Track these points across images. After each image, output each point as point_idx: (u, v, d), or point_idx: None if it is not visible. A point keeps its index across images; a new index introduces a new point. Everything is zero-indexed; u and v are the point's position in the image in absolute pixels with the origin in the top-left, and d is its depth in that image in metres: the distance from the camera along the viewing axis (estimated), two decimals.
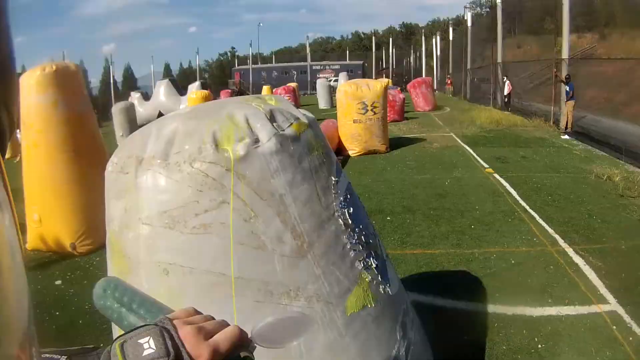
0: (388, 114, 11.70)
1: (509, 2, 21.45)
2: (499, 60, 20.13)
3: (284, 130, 1.66)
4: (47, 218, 5.01)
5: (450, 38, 34.35)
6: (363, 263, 1.80)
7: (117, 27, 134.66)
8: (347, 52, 65.63)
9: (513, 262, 4.56)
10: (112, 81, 45.19)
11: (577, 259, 4.53)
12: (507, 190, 6.92)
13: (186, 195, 1.51)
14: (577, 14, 15.67)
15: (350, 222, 1.80)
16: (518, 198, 6.53)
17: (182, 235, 1.53)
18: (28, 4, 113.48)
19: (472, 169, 8.52)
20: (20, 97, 4.77)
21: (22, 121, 4.89)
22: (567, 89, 12.25)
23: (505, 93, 18.48)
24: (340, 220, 1.76)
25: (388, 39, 62.64)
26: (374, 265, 1.85)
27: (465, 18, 28.02)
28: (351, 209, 1.84)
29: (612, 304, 3.68)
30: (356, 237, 1.81)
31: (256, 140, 1.58)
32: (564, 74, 13.04)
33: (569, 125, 12.20)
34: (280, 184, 1.59)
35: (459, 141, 11.59)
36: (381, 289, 1.85)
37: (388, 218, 5.95)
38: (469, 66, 27.05)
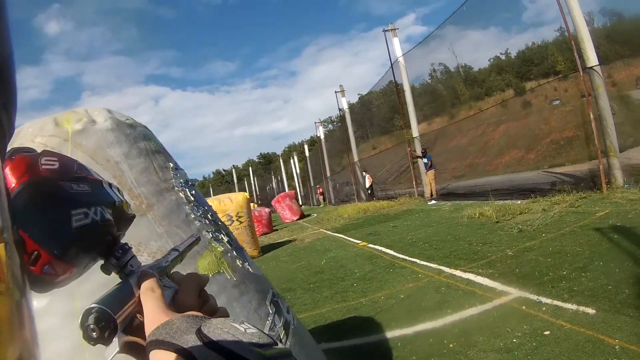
0: (257, 229, 11.58)
1: (354, 110, 23.73)
2: (356, 159, 21.47)
3: (121, 120, 1.80)
4: None
5: (307, 154, 36.44)
6: (212, 234, 1.78)
7: None
8: (211, 189, 66.69)
9: (402, 296, 4.13)
10: None
11: (468, 275, 4.25)
12: (383, 252, 6.66)
13: None
14: (423, 105, 17.78)
15: (193, 199, 1.84)
16: (395, 253, 6.28)
17: None
18: None
19: (346, 247, 8.19)
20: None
21: None
22: (425, 161, 13.10)
23: (367, 186, 19.40)
24: (181, 194, 1.79)
25: (248, 170, 65.23)
26: (225, 240, 1.82)
27: (318, 134, 30.04)
28: (194, 191, 1.89)
29: (515, 293, 3.48)
30: (201, 213, 1.82)
31: (94, 121, 1.71)
32: (419, 151, 14.09)
33: (434, 192, 12.82)
34: (115, 153, 1.68)
35: (330, 232, 11.40)
36: (239, 263, 1.78)
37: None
38: (328, 175, 28.46)
